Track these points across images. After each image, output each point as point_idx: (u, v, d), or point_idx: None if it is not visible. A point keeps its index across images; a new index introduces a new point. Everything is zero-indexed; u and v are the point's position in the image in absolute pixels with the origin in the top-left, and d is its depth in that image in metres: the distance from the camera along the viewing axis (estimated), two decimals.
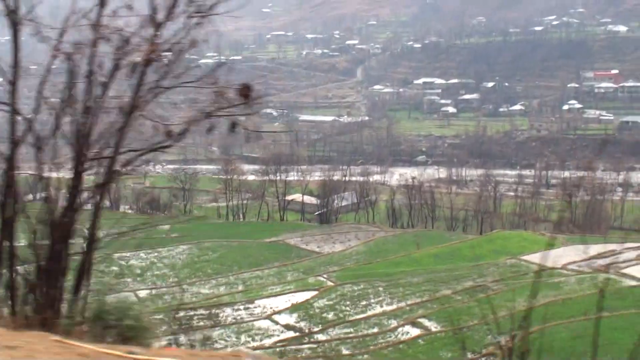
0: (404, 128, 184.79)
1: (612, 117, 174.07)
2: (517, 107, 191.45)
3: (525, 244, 65.22)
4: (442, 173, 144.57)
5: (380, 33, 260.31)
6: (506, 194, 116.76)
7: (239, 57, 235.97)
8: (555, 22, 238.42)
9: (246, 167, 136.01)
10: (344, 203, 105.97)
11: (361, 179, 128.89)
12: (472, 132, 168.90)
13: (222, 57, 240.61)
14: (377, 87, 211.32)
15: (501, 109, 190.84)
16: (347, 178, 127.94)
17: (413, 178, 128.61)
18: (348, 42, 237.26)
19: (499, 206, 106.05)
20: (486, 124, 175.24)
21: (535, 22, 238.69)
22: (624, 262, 55.74)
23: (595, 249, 61.98)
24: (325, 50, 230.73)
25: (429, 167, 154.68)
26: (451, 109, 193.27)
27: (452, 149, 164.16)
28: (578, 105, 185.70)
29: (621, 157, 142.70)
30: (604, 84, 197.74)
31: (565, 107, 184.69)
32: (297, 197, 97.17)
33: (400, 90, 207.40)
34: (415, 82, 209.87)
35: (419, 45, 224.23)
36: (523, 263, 57.38)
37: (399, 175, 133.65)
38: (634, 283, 48.45)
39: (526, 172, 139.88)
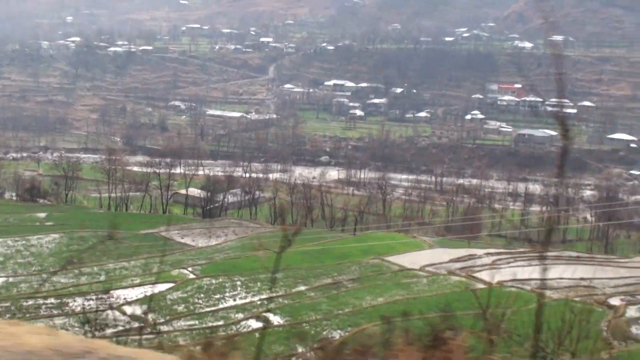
0: (311, 128, 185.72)
1: (510, 129, 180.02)
2: (423, 114, 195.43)
3: (395, 245, 66.36)
4: (342, 174, 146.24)
5: (297, 32, 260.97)
6: (399, 197, 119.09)
7: (150, 48, 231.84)
8: (466, 34, 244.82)
9: (147, 159, 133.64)
10: (235, 199, 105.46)
11: (261, 176, 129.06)
12: (376, 136, 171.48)
13: (132, 47, 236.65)
14: (288, 86, 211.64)
15: (407, 115, 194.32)
16: (246, 174, 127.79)
17: (313, 177, 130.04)
18: (262, 39, 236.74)
19: (388, 208, 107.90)
20: (391, 128, 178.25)
21: (448, 33, 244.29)
22: (479, 266, 57.60)
23: (459, 252, 63.80)
24: (239, 46, 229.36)
25: (331, 167, 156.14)
26: (359, 112, 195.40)
27: (355, 151, 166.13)
28: (480, 116, 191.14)
29: (515, 167, 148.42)
30: (507, 97, 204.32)
31: (468, 116, 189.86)
32: (186, 191, 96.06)
33: (311, 90, 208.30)
34: (326, 83, 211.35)
35: (332, 47, 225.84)
36: (385, 263, 58.37)
37: (299, 174, 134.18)
38: (480, 286, 49.94)
39: (424, 177, 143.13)
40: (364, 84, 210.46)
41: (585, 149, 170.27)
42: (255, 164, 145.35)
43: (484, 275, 54.24)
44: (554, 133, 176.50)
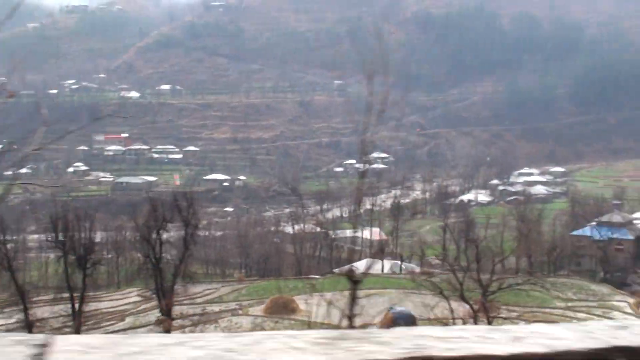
0: None
1: (111, 178, 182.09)
2: (24, 170, 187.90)
3: None
4: None
5: None
6: None
7: None
8: (74, 86, 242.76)
9: None
10: None
11: None
12: None
13: None
14: None
15: (7, 173, 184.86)
16: None
17: None
18: None
19: None
20: None
21: (53, 85, 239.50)
22: None
23: None
24: None
25: None
26: None
27: None
28: (84, 168, 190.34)
29: (110, 216, 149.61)
30: (113, 147, 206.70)
31: (71, 169, 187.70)
32: None
33: None
34: None
35: None
36: None
37: None
38: None
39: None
40: None
41: (184, 191, 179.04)
42: None
43: None
44: (152, 178, 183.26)
